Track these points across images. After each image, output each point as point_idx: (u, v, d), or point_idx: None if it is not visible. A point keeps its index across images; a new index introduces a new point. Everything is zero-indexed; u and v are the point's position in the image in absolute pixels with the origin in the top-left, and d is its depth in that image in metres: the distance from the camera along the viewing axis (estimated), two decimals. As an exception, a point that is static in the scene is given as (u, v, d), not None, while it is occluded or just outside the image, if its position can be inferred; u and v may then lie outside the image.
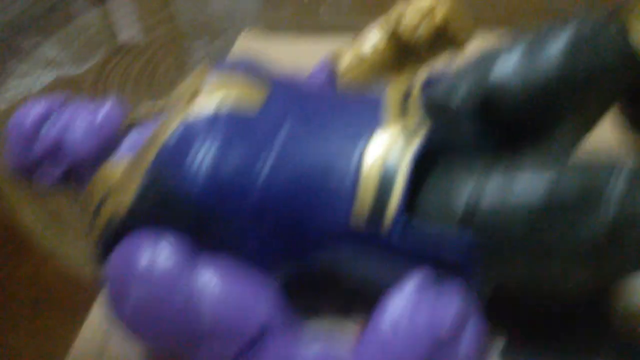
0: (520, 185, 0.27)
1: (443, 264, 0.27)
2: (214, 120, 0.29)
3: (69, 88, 0.77)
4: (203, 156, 0.27)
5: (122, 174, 0.30)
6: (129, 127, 0.33)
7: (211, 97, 0.30)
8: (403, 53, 0.40)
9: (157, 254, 0.27)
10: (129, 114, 0.34)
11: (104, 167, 0.31)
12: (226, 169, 0.27)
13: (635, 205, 0.26)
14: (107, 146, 0.32)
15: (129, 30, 0.92)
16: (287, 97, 0.31)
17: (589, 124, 0.36)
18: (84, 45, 0.85)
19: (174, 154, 0.28)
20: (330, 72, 0.41)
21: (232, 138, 0.28)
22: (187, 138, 0.28)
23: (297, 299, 0.29)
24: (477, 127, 0.33)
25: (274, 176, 0.28)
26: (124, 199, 0.29)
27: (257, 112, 0.30)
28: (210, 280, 0.26)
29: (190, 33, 0.90)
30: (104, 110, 0.32)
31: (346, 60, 0.41)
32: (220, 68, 0.33)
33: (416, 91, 0.34)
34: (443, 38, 0.39)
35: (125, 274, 0.27)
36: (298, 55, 0.44)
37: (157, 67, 0.79)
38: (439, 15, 0.39)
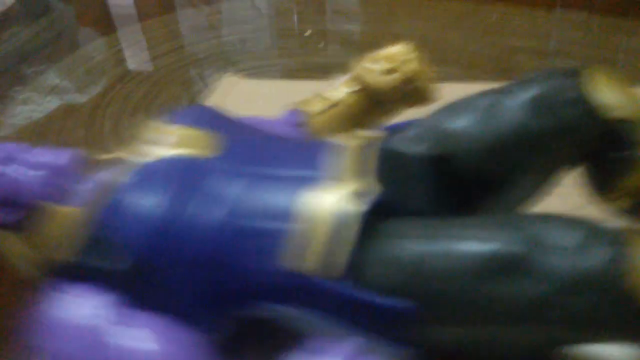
0: (460, 250, 0.27)
1: (379, 325, 0.27)
2: (163, 172, 0.30)
3: (72, 114, 0.78)
4: (148, 205, 0.28)
5: (70, 222, 0.30)
6: (86, 175, 0.34)
7: (163, 150, 0.31)
8: (371, 106, 0.41)
9: (89, 310, 0.27)
10: (87, 162, 0.34)
11: (54, 214, 0.31)
12: (168, 218, 0.28)
13: (571, 274, 0.25)
14: (61, 193, 0.32)
15: (136, 59, 0.93)
16: (239, 150, 0.32)
17: (546, 181, 0.36)
18: (88, 73, 0.86)
19: (121, 204, 0.29)
20: (297, 122, 0.42)
21: (178, 189, 0.29)
22: (134, 188, 0.29)
23: (237, 353, 0.29)
24: (433, 180, 0.33)
25: (213, 224, 0.28)
26: (68, 247, 0.29)
27: (207, 164, 0.30)
28: (141, 339, 0.26)
29: (198, 63, 0.90)
30: (61, 159, 0.33)
31: (317, 113, 0.41)
32: (178, 118, 0.33)
33: (373, 143, 0.34)
34: (409, 92, 0.40)
35: (57, 327, 0.27)
36: (276, 98, 0.45)
37: (159, 96, 0.79)
38: (407, 70, 0.40)
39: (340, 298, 0.27)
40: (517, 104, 0.33)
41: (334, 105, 0.41)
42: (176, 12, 1.09)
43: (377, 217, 0.29)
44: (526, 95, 0.33)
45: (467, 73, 0.71)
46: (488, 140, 0.33)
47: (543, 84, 0.33)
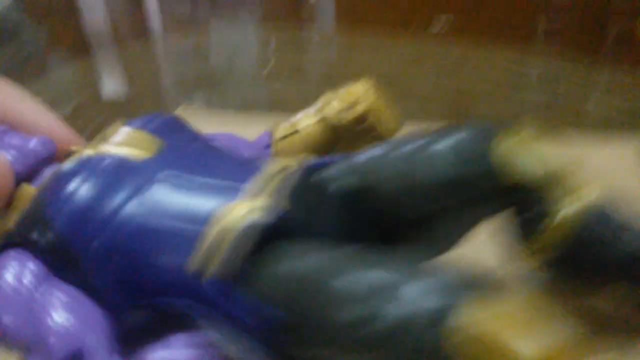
0: (331, 276, 0.27)
1: (254, 332, 0.28)
2: (96, 165, 0.32)
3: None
4: (75, 190, 0.31)
5: (26, 199, 0.33)
6: (53, 162, 0.36)
7: (108, 147, 0.33)
8: (332, 137, 0.41)
9: (10, 272, 0.30)
10: (57, 151, 0.37)
11: (18, 189, 0.34)
12: (88, 204, 0.30)
13: (399, 320, 0.24)
14: (27, 173, 0.35)
15: (110, 84, 0.92)
16: (175, 156, 0.33)
17: (466, 227, 0.35)
18: (57, 98, 0.85)
19: (56, 186, 0.31)
20: (265, 144, 0.43)
21: (104, 182, 0.31)
22: (71, 174, 0.31)
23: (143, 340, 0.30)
24: (350, 213, 0.34)
25: (130, 217, 0.30)
26: (13, 217, 0.32)
27: (138, 164, 0.32)
28: (51, 302, 0.29)
29: (175, 88, 0.89)
30: (32, 144, 0.35)
31: (280, 138, 0.43)
32: (134, 122, 0.35)
33: (298, 168, 0.34)
34: (367, 128, 0.40)
35: None
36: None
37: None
38: (362, 105, 0.40)
39: (227, 301, 0.29)
40: (434, 153, 0.33)
41: (296, 132, 0.42)
42: (155, 35, 1.08)
43: (283, 236, 0.30)
44: (442, 146, 0.33)
45: (424, 110, 0.71)
46: (405, 185, 0.33)
47: (461, 136, 0.33)
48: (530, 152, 0.33)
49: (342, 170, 0.35)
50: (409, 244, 0.35)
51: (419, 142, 0.34)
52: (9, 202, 0.33)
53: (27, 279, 0.30)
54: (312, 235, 0.31)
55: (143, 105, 0.83)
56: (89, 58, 0.97)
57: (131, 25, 1.13)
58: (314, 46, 1.00)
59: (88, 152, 0.34)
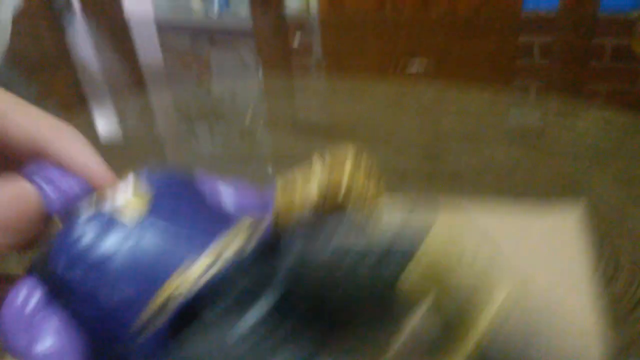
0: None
1: None
2: (99, 212, 0.35)
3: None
4: (73, 237, 0.34)
5: (53, 230, 0.35)
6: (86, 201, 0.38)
7: (111, 196, 0.36)
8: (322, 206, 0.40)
9: (21, 296, 0.34)
10: (93, 192, 0.38)
11: (51, 222, 0.36)
12: (84, 253, 0.33)
13: None
14: (61, 208, 0.36)
15: (105, 132, 0.93)
16: (161, 211, 0.36)
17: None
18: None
19: (63, 230, 0.34)
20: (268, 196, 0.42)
21: (97, 229, 0.34)
22: (76, 222, 0.34)
23: None
24: (283, 292, 0.35)
25: (111, 268, 0.33)
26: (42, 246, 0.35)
27: (134, 217, 0.35)
28: (47, 326, 0.33)
29: (171, 134, 0.90)
30: (69, 181, 0.37)
31: (279, 191, 0.42)
32: (140, 174, 0.37)
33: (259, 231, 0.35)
34: (350, 204, 0.39)
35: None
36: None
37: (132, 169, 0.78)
38: (345, 189, 0.39)
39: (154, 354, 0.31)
40: (356, 273, 0.33)
41: (294, 198, 0.40)
42: (148, 86, 1.10)
43: (222, 300, 0.32)
44: (361, 269, 0.32)
45: (398, 158, 0.71)
46: (332, 291, 0.33)
47: (377, 259, 0.32)
48: (437, 286, 0.31)
49: (289, 261, 0.36)
50: (337, 322, 0.35)
51: (353, 260, 0.34)
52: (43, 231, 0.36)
53: (33, 303, 0.34)
54: (252, 299, 0.34)
55: (138, 153, 0.84)
56: (84, 108, 0.98)
57: (123, 76, 1.15)
58: (301, 92, 1.01)
59: (94, 199, 0.36)
